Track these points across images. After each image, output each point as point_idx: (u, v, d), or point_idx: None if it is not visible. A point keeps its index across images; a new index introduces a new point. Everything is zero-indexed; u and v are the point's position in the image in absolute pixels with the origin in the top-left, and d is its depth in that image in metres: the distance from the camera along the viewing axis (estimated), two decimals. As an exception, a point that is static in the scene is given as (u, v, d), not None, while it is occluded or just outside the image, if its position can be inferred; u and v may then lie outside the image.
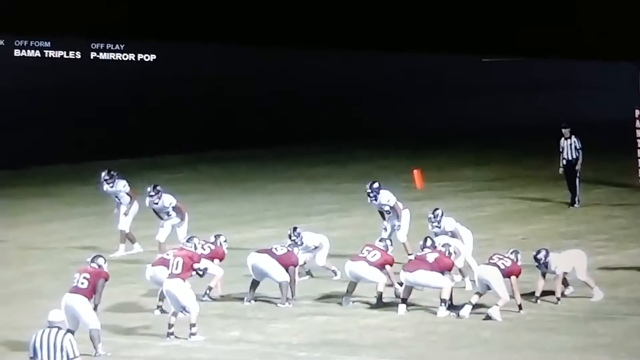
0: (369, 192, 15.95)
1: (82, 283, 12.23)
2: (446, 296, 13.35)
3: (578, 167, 19.83)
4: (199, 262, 12.94)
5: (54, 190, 24.57)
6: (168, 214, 16.64)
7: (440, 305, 13.34)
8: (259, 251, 14.31)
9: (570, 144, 19.93)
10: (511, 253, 13.53)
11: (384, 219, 16.14)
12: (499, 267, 13.28)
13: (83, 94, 30.13)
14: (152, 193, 16.61)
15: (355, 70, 34.16)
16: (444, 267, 13.51)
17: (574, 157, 19.88)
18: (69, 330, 10.64)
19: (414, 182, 21.41)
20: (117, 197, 17.54)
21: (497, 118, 33.21)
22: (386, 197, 15.93)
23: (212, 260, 14.18)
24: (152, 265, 13.95)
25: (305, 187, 23.97)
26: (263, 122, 32.49)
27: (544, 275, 13.75)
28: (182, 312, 12.70)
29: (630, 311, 13.21)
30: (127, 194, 17.43)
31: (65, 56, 26.94)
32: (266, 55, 33.26)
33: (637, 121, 20.69)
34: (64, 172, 27.02)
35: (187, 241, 13.56)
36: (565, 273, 13.74)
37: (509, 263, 13.33)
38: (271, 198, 22.70)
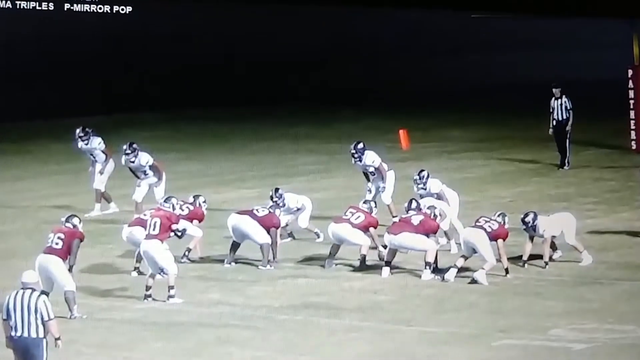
0: (353, 153, 15.66)
1: (57, 243, 11.94)
2: (431, 259, 13.12)
3: (568, 128, 19.64)
4: (177, 223, 12.62)
5: (28, 147, 24.17)
6: (145, 172, 16.27)
7: (425, 268, 13.13)
8: (239, 212, 14.00)
9: (561, 104, 19.68)
10: (498, 216, 13.27)
11: (368, 180, 15.85)
12: (485, 230, 13.02)
13: (55, 46, 29.51)
14: (129, 151, 16.25)
15: (340, 28, 33.75)
16: (429, 230, 13.25)
17: (564, 117, 19.65)
18: (43, 292, 10.34)
19: (399, 143, 21.12)
20: (92, 155, 17.15)
21: (485, 77, 32.95)
22: (371, 158, 15.64)
23: (191, 221, 13.85)
24: (129, 226, 13.65)
25: (287, 147, 23.67)
26: (245, 79, 32.10)
27: (531, 238, 13.53)
28: (160, 274, 12.39)
29: (619, 276, 13.07)
30: (103, 151, 17.05)
31: (37, 7, 26.36)
32: (248, 12, 32.75)
33: (630, 81, 20.42)
34: (38, 128, 26.60)
35: (165, 201, 13.22)
36: (553, 237, 13.51)
37: (495, 226, 13.07)
38: (253, 158, 22.41)
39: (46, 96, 28.93)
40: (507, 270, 13.10)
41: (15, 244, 15.29)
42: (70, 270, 12.01)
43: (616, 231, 15.01)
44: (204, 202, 14.31)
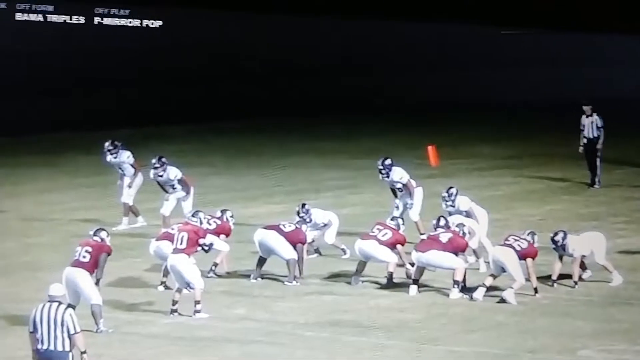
0: (380, 169, 15.56)
1: (84, 257, 11.94)
2: (459, 278, 13.00)
3: (599, 146, 19.44)
4: (204, 238, 12.59)
5: (56, 160, 24.23)
6: (173, 187, 16.24)
7: (453, 287, 13.01)
8: (266, 227, 13.93)
9: (592, 122, 19.51)
10: (527, 234, 13.13)
11: (395, 196, 15.74)
12: (514, 248, 12.88)
13: (86, 60, 29.52)
14: (157, 165, 16.21)
15: (370, 41, 33.64)
16: (457, 248, 13.12)
17: (595, 135, 19.46)
18: (69, 305, 10.32)
19: (428, 159, 21.00)
20: (120, 168, 17.15)
21: (515, 93, 32.74)
22: (399, 174, 15.53)
23: (218, 236, 13.82)
24: (157, 240, 13.63)
25: (315, 161, 23.61)
26: (273, 92, 32.02)
27: (561, 258, 13.37)
28: (186, 288, 12.35)
29: (649, 297, 12.86)
30: (131, 165, 17.04)
31: (68, 21, 26.49)
32: (276, 23, 32.65)
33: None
34: (67, 141, 26.66)
35: (193, 216, 13.19)
36: (583, 256, 13.34)
37: (525, 244, 12.93)
38: (280, 172, 22.35)
39: (75, 109, 29.01)
40: (536, 290, 12.94)
41: (43, 257, 15.27)
42: (97, 284, 11.99)
43: (647, 251, 14.87)
44: (232, 216, 14.27)
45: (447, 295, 13.02)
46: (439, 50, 34.34)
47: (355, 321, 12.17)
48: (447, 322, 12.12)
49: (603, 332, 11.60)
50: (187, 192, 16.31)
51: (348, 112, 30.66)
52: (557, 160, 22.22)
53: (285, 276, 13.76)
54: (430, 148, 21.04)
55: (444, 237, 13.20)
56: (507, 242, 13.03)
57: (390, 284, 13.49)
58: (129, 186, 16.98)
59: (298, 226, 14.00)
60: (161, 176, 16.26)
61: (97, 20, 26.69)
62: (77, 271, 11.86)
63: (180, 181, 16.27)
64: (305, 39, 33.02)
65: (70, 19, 26.54)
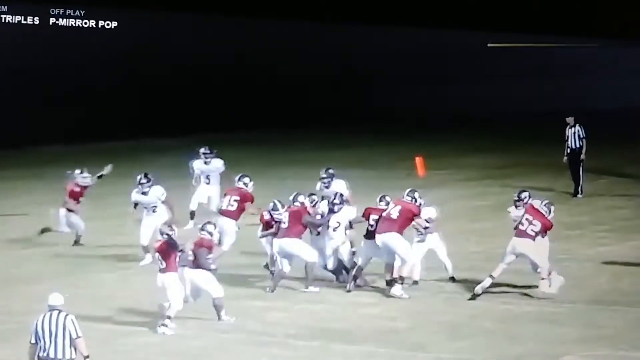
0: (323, 177, 14.88)
1: (190, 257, 12.48)
2: (405, 273, 13.23)
3: (582, 156, 19.67)
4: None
5: (42, 173, 24.19)
6: (154, 209, 15.08)
7: (397, 282, 13.18)
8: (280, 238, 13.77)
9: (574, 133, 19.78)
10: (544, 204, 13.21)
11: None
12: (529, 235, 12.97)
13: (40, 60, 28.53)
14: (144, 181, 15.12)
15: (356, 50, 33.63)
16: (409, 213, 13.25)
17: (578, 146, 19.73)
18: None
19: (415, 170, 21.16)
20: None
21: (501, 104, 32.91)
22: (340, 187, 14.93)
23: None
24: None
25: (300, 173, 23.64)
26: (252, 104, 31.82)
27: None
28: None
29: (632, 303, 13.05)
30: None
31: (23, 21, 26.01)
32: (247, 27, 32.12)
33: (644, 110, 20.46)
34: (53, 154, 26.46)
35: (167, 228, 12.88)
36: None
37: (537, 224, 13.03)
38: (263, 184, 22.36)
39: (38, 119, 28.42)
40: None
41: (32, 269, 15.28)
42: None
43: (629, 258, 14.99)
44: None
45: (438, 299, 13.16)
46: (424, 62, 34.47)
47: (345, 330, 12.27)
48: (436, 329, 12.23)
49: (588, 338, 11.73)
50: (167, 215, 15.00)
51: (333, 123, 30.72)
52: (542, 170, 22.40)
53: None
54: (417, 159, 21.22)
55: (394, 212, 13.35)
56: (521, 230, 13.06)
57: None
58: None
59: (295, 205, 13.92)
60: (145, 193, 15.19)
61: (52, 20, 26.33)
62: (194, 272, 12.47)
63: (164, 202, 15.16)
64: (287, 49, 32.77)
65: (25, 20, 26.19)
